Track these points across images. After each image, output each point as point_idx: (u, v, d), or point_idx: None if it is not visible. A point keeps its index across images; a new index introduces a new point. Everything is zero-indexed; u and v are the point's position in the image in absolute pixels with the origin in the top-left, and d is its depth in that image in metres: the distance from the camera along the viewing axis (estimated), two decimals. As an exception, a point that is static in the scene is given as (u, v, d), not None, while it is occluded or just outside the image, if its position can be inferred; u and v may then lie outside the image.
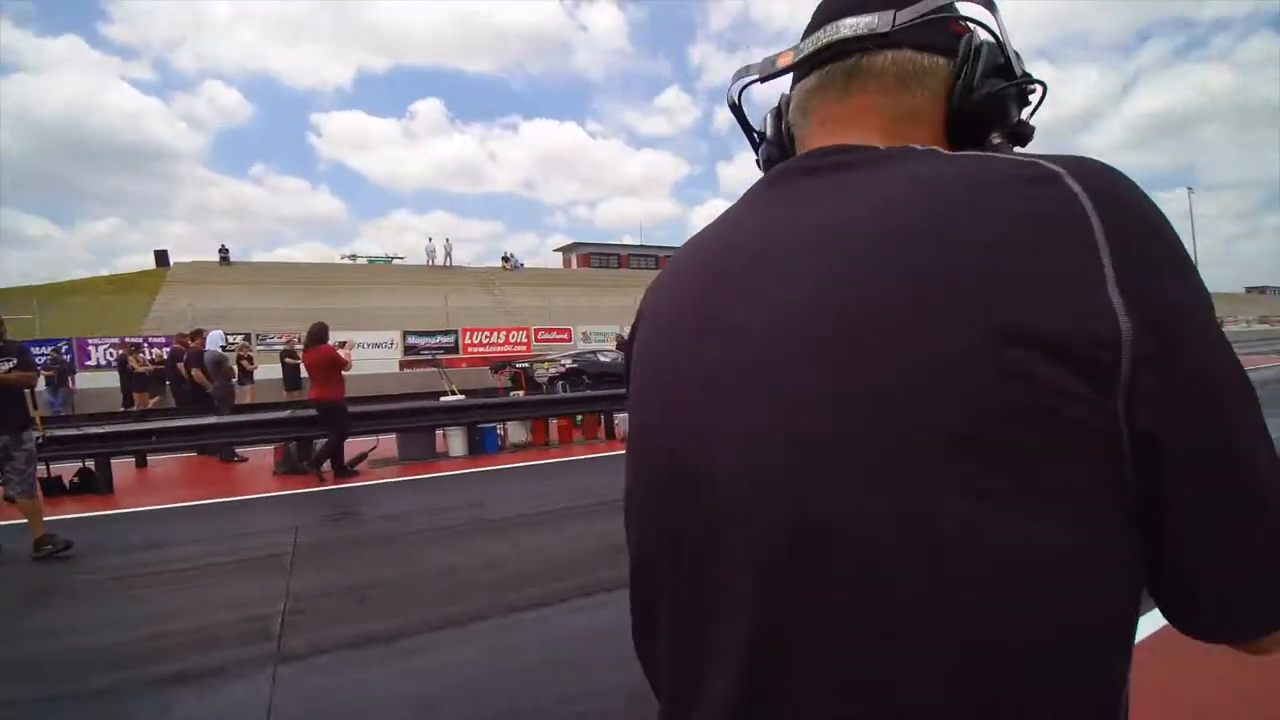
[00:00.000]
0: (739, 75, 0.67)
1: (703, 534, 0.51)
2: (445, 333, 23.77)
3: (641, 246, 53.09)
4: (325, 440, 7.50)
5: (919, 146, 0.52)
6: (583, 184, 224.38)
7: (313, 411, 7.66)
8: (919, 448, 0.41)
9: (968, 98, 0.55)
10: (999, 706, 0.40)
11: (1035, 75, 0.57)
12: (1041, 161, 0.44)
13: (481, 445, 8.79)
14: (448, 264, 36.26)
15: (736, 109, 0.70)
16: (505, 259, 38.33)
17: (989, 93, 0.54)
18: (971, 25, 0.57)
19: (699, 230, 0.64)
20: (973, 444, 0.40)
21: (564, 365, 14.94)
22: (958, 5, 0.57)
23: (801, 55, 0.59)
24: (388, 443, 8.57)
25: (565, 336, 25.29)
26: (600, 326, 25.61)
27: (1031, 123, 0.58)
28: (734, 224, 0.59)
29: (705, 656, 0.51)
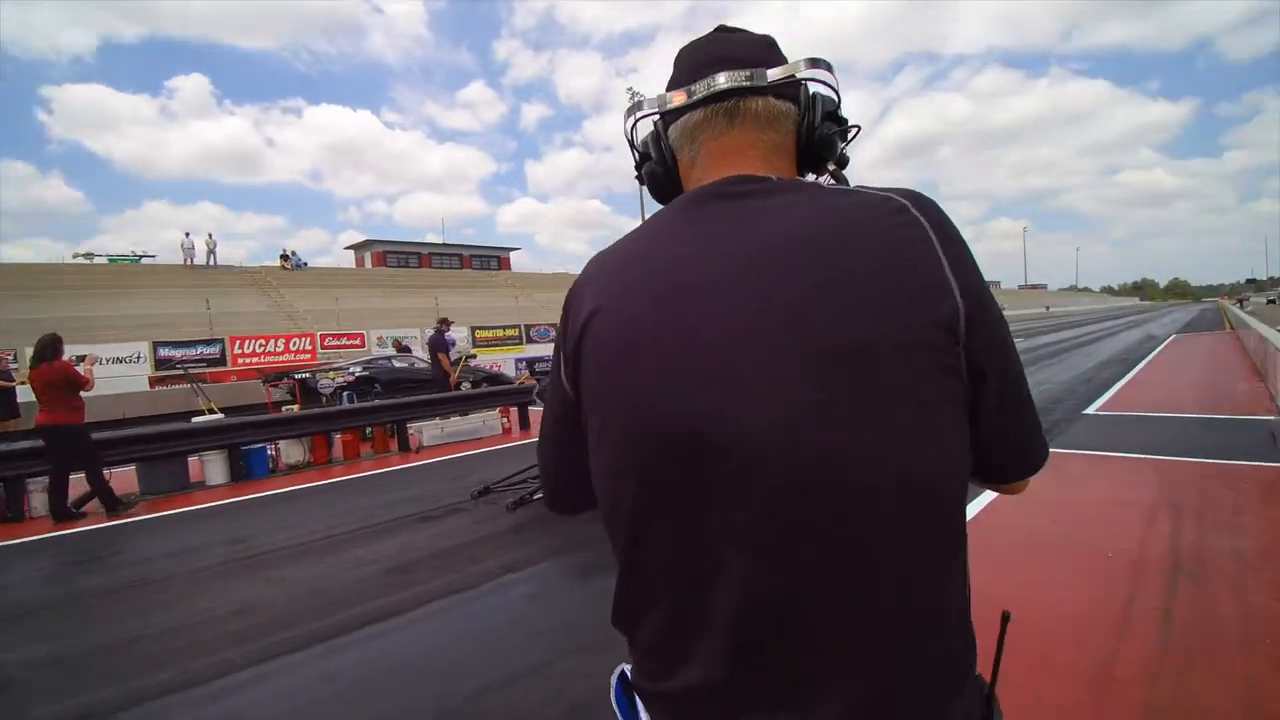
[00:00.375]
0: (633, 111, 0.83)
1: (728, 473, 0.62)
2: (208, 342, 20.88)
3: (445, 245, 51.02)
4: (53, 476, 6.16)
5: (802, 179, 0.76)
6: (380, 177, 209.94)
7: (34, 442, 6.28)
8: (886, 391, 0.61)
9: (811, 136, 0.76)
10: (923, 525, 0.62)
11: (851, 120, 0.81)
12: (894, 196, 0.67)
13: (248, 470, 7.79)
14: (210, 263, 31.89)
15: (629, 137, 0.86)
16: (285, 257, 34.61)
17: (824, 133, 0.76)
18: (808, 81, 0.77)
19: (622, 241, 0.77)
20: (911, 378, 0.61)
21: (352, 373, 13.81)
22: (805, 69, 0.76)
23: (695, 98, 0.76)
24: (123, 476, 7.27)
25: (358, 342, 23.44)
26: (398, 330, 24.12)
27: (847, 153, 0.83)
28: (673, 238, 0.71)
29: (713, 555, 0.64)
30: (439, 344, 10.72)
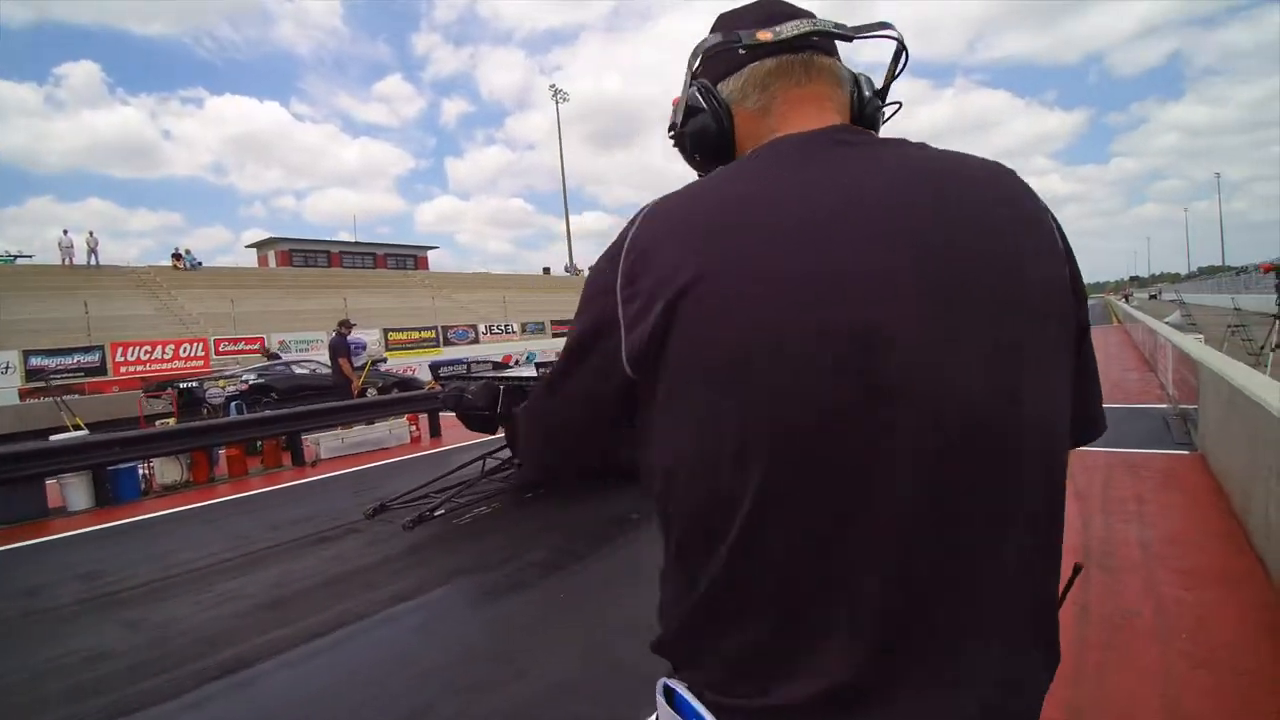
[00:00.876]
0: (710, 49, 0.75)
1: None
2: (86, 350, 19.06)
3: (357, 244, 48.85)
4: None
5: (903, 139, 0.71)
6: (288, 172, 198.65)
7: None
8: (1051, 344, 0.62)
9: (863, 107, 0.77)
10: (1058, 489, 0.63)
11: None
12: (995, 160, 0.68)
13: (116, 493, 6.97)
14: (92, 263, 29.19)
15: (704, 86, 0.76)
16: (177, 256, 32.14)
17: (875, 106, 0.79)
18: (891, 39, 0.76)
19: (693, 192, 0.65)
20: (1057, 338, 0.63)
21: (245, 381, 12.82)
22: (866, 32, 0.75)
23: (782, 37, 0.70)
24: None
25: (256, 347, 21.96)
26: (302, 334, 22.81)
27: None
28: (792, 182, 0.62)
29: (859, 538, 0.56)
30: (340, 348, 10.01)
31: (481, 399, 5.43)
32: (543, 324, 31.11)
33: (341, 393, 9.98)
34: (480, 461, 6.12)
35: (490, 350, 25.13)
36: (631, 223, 0.65)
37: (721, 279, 0.58)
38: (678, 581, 0.65)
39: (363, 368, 11.30)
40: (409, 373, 17.32)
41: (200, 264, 32.87)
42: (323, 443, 8.61)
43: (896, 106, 0.81)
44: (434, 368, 6.54)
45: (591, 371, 0.67)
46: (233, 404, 10.75)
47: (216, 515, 6.19)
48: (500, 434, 6.59)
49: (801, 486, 0.56)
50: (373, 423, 9.27)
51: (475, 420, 6.06)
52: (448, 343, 26.10)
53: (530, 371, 5.90)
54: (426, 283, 37.83)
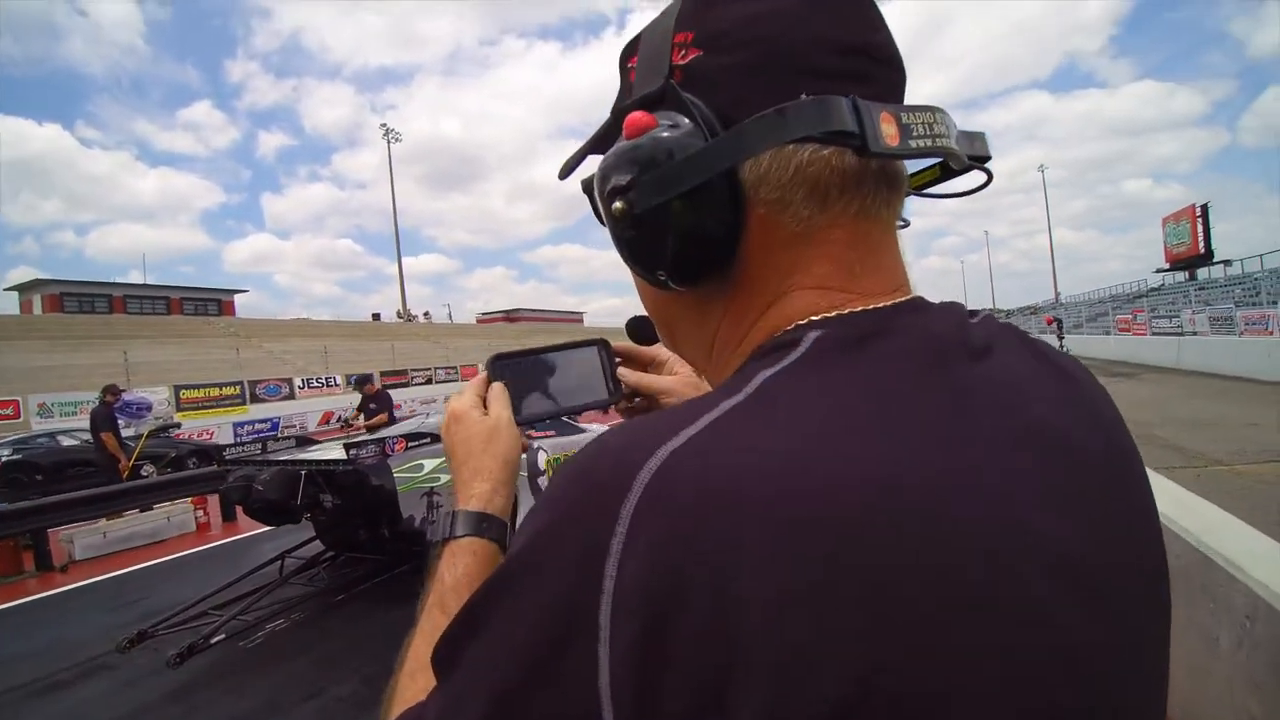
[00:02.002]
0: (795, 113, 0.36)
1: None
2: None
3: (146, 286, 43.07)
4: None
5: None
6: (70, 204, 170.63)
7: None
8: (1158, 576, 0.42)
9: None
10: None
11: None
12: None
13: None
14: None
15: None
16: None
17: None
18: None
19: (777, 446, 0.33)
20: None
21: (-2, 458, 10.44)
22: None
23: (908, 149, 0.38)
24: None
25: (10, 411, 18.21)
26: (70, 395, 19.22)
27: None
28: (922, 445, 0.34)
29: None
30: (103, 420, 8.32)
31: (274, 490, 4.56)
32: (371, 375, 28.80)
33: (107, 474, 8.29)
34: (279, 561, 5.18)
35: (308, 407, 22.75)
36: (626, 476, 0.33)
37: (909, 681, 0.29)
38: None
39: (139, 438, 9.55)
40: (206, 437, 15.13)
41: (-71, 311, 27.05)
42: (78, 540, 7.02)
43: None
44: (217, 450, 5.45)
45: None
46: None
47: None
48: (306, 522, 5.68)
49: None
50: (148, 509, 7.74)
51: (268, 513, 5.13)
52: (255, 399, 23.06)
53: (337, 453, 5.06)
54: (232, 330, 33.83)
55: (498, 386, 0.64)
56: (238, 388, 22.88)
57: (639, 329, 0.66)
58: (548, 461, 6.26)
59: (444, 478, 4.95)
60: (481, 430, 0.60)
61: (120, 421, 8.98)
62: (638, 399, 0.71)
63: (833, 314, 0.39)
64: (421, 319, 51.70)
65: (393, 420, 8.14)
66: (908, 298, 0.42)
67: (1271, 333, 14.77)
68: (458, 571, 0.53)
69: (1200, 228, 34.12)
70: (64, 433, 12.88)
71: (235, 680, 3.79)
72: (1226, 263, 32.28)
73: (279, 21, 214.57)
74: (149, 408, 18.90)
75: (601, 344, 0.73)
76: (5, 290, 40.43)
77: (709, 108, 0.39)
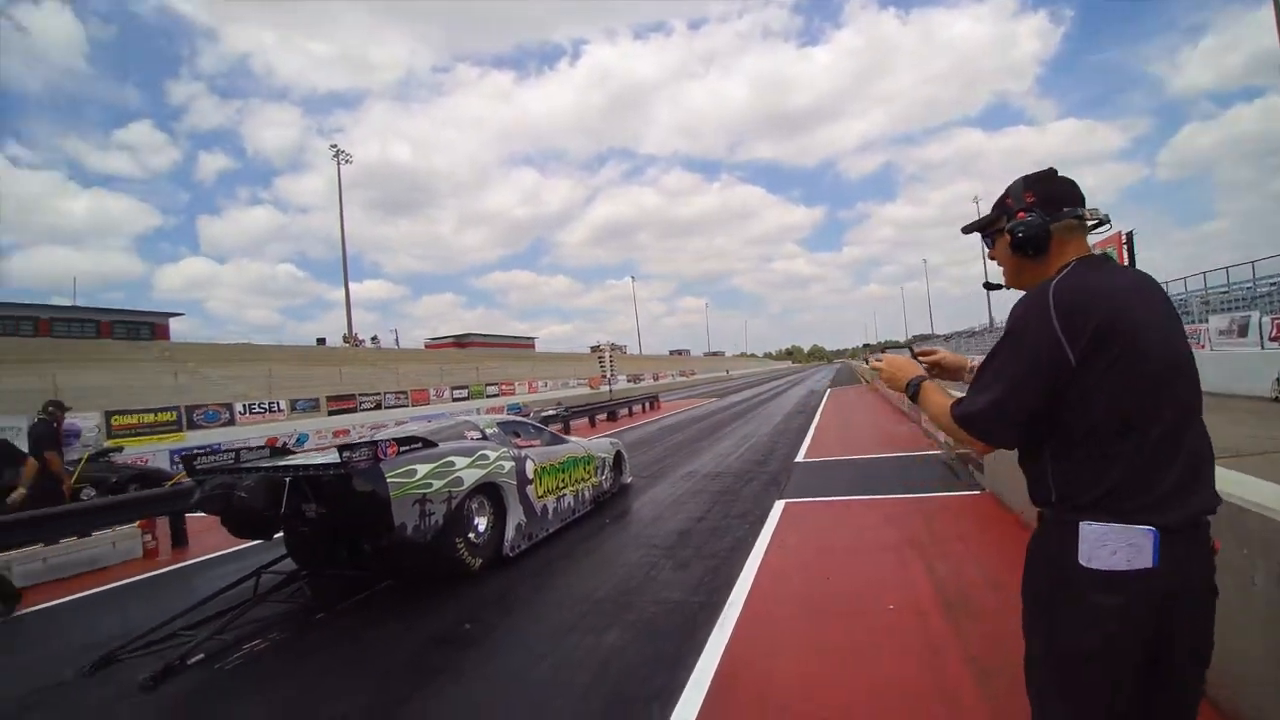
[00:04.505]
0: (1053, 195, 1.52)
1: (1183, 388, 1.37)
2: None
3: (75, 309, 40.55)
4: None
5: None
6: None
7: None
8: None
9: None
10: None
11: None
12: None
13: None
14: None
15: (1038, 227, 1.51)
16: None
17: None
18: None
19: (1092, 277, 1.40)
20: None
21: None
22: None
23: (1095, 220, 1.52)
24: None
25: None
26: (-10, 420, 17.74)
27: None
28: (1112, 276, 1.42)
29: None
30: (46, 437, 7.59)
31: (259, 498, 4.17)
32: (316, 400, 27.38)
33: (49, 497, 7.54)
34: (253, 579, 4.73)
35: (250, 433, 21.57)
36: (1043, 295, 1.38)
37: (1126, 317, 1.33)
38: (1088, 460, 1.34)
39: (78, 462, 8.79)
40: (143, 463, 14.13)
41: None
42: (15, 566, 6.33)
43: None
44: (187, 458, 4.99)
45: (1047, 363, 1.34)
46: None
47: None
48: (279, 536, 5.24)
49: (1165, 400, 1.32)
50: (86, 534, 7.07)
51: (247, 524, 4.71)
52: (193, 426, 21.63)
53: (329, 457, 4.69)
54: (167, 354, 32.01)
55: (887, 355, 1.91)
56: (174, 413, 21.48)
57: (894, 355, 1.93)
58: (534, 470, 6.04)
59: (436, 484, 4.65)
60: (904, 360, 1.82)
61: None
62: (933, 370, 1.86)
63: (1075, 260, 1.46)
64: (369, 343, 50.20)
65: None
66: (1094, 252, 1.52)
67: (1204, 346, 15.59)
68: (931, 388, 1.67)
69: (1126, 254, 36.22)
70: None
71: (216, 707, 3.36)
72: (1152, 286, 34.31)
73: (226, 44, 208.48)
74: (77, 434, 17.63)
75: (909, 346, 1.97)
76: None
77: (1042, 212, 1.50)
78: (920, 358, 1.88)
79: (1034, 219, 1.46)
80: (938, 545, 4.89)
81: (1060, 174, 1.54)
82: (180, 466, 13.89)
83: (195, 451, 6.69)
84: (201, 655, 3.67)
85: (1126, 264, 5.26)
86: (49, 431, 7.72)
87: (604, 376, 34.39)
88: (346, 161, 49.24)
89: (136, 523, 7.43)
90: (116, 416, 19.73)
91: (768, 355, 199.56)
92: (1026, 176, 1.55)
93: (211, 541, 7.31)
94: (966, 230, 1.76)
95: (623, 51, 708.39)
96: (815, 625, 3.69)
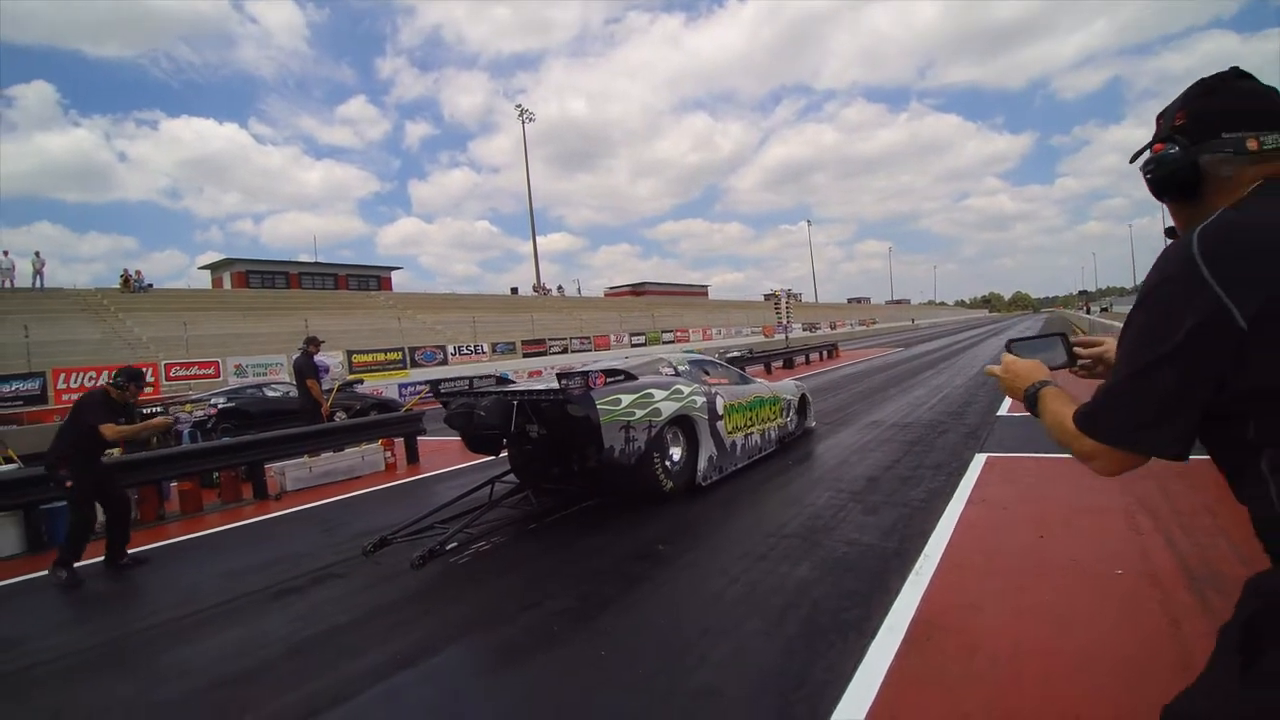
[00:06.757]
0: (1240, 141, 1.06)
1: None
2: (25, 376, 17.64)
3: (317, 264, 47.34)
4: None
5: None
6: (247, 195, 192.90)
7: None
8: None
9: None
10: None
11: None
12: None
13: (51, 535, 6.06)
14: (37, 285, 27.47)
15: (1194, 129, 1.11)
16: (126, 279, 30.50)
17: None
18: None
19: (1264, 221, 0.99)
20: None
21: (214, 405, 11.84)
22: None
23: (1266, 148, 1.04)
24: None
25: (211, 371, 20.69)
26: (260, 357, 21.57)
27: None
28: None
29: None
30: (306, 369, 9.14)
31: (494, 416, 4.90)
32: (513, 344, 30.10)
33: (310, 417, 9.12)
34: (488, 487, 5.50)
35: (459, 371, 24.20)
36: (1185, 243, 1.01)
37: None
38: None
39: (330, 391, 10.44)
40: (378, 394, 16.42)
41: (151, 286, 31.27)
42: (288, 473, 7.77)
43: None
44: (435, 385, 5.88)
45: (1205, 330, 0.95)
46: (186, 431, 9.79)
47: (159, 565, 5.33)
48: (504, 454, 6.12)
49: None
50: (341, 449, 8.44)
51: (482, 440, 5.61)
52: (415, 364, 24.95)
53: (549, 384, 5.37)
54: (391, 304, 36.64)
55: (1008, 356, 1.44)
56: (399, 353, 24.82)
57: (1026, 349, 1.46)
58: (724, 406, 6.19)
59: (639, 413, 4.99)
60: (1027, 364, 1.38)
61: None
62: (1087, 361, 1.46)
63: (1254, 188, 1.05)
64: (555, 293, 53.35)
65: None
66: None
67: None
68: (1053, 394, 1.29)
69: None
70: (267, 385, 14.37)
71: (455, 590, 3.99)
72: None
73: (421, 19, 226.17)
74: (327, 369, 20.93)
75: (1063, 336, 1.46)
76: (199, 269, 46.16)
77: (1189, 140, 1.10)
78: (1079, 349, 1.44)
79: (1170, 154, 1.08)
80: (1176, 512, 4.31)
81: (1245, 77, 1.07)
82: (412, 395, 15.90)
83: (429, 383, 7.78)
84: (455, 544, 4.48)
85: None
86: (309, 363, 9.22)
87: (780, 324, 33.74)
88: (530, 120, 51.75)
89: (379, 441, 8.76)
90: (356, 355, 23.03)
91: (959, 304, 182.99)
92: (1192, 84, 1.12)
93: (440, 461, 8.52)
94: (1132, 161, 1.24)
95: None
96: (1025, 584, 3.45)
